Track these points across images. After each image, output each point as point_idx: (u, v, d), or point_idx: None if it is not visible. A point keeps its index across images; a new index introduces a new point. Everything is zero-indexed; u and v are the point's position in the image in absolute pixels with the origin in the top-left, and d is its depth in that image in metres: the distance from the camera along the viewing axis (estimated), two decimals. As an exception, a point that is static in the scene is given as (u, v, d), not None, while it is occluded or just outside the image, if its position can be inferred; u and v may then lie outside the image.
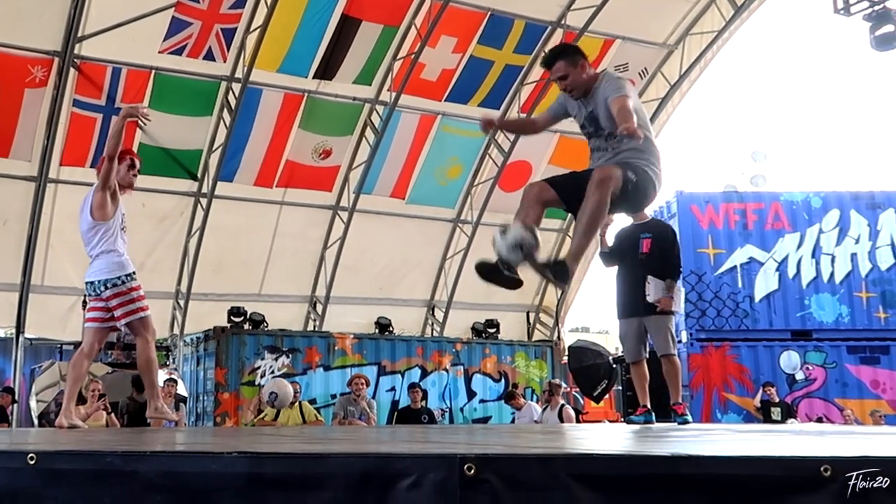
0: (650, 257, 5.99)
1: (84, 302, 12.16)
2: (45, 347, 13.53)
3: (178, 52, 12.48)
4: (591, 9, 14.13)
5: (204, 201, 13.88)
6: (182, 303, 14.29)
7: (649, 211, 6.30)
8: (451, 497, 1.75)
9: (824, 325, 13.65)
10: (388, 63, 13.99)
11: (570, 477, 1.80)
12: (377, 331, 14.43)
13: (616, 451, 2.19)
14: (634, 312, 6.02)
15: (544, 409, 10.84)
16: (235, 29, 12.68)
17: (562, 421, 10.14)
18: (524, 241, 4.11)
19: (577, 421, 11.11)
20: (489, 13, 13.74)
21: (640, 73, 15.60)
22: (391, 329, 14.59)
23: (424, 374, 13.68)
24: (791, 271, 13.85)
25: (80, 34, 11.80)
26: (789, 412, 12.30)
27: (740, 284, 13.77)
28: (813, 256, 13.88)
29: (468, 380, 14.11)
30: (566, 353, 14.73)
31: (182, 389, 12.17)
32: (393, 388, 13.40)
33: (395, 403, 13.05)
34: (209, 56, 12.75)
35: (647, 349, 6.12)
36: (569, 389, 14.17)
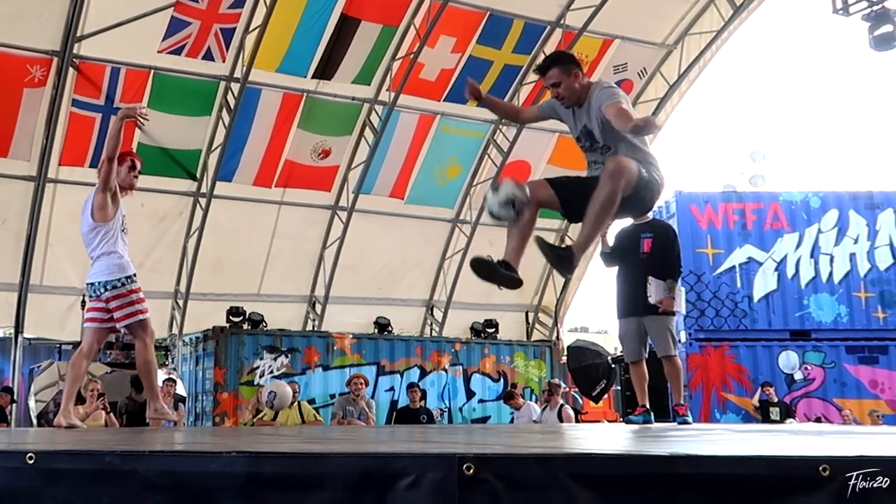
0: (651, 257, 5.98)
1: (83, 302, 12.16)
2: (43, 347, 13.52)
3: (177, 51, 12.48)
4: (591, 9, 14.13)
5: (203, 201, 13.87)
6: (181, 302, 14.28)
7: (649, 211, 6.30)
8: (450, 497, 1.75)
9: (823, 325, 13.65)
10: (387, 63, 13.99)
11: (568, 476, 1.80)
12: (376, 331, 14.43)
13: (615, 451, 2.20)
14: (634, 312, 6.02)
15: (543, 409, 10.84)
16: (234, 29, 12.68)
17: (561, 421, 10.14)
18: (516, 197, 4.11)
19: (577, 421, 11.11)
20: (488, 13, 13.74)
21: (638, 73, 15.62)
22: (390, 329, 14.59)
23: (423, 373, 13.68)
24: (790, 271, 13.86)
25: (79, 34, 11.79)
26: (788, 412, 12.30)
27: (739, 284, 13.77)
28: (812, 256, 13.88)
29: (467, 380, 14.11)
30: (565, 352, 14.73)
31: (181, 389, 12.16)
32: (392, 388, 13.40)
33: (394, 403, 13.04)
34: (208, 56, 12.75)
35: (647, 349, 6.12)
36: (568, 389, 14.17)
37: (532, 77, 14.90)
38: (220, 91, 13.21)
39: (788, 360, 13.47)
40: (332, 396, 12.43)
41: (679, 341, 11.40)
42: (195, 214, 14.00)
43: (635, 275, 5.99)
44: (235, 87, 13.07)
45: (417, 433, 4.16)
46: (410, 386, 11.74)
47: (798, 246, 13.92)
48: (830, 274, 13.83)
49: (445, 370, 13.93)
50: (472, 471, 1.76)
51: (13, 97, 11.99)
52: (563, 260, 4.17)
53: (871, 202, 14.12)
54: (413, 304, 16.30)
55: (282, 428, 7.99)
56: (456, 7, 13.51)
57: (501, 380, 14.33)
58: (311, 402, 11.81)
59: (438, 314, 16.39)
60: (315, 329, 14.86)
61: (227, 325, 12.88)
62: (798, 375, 13.41)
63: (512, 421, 11.86)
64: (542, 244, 4.16)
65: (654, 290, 5.87)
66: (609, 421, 13.44)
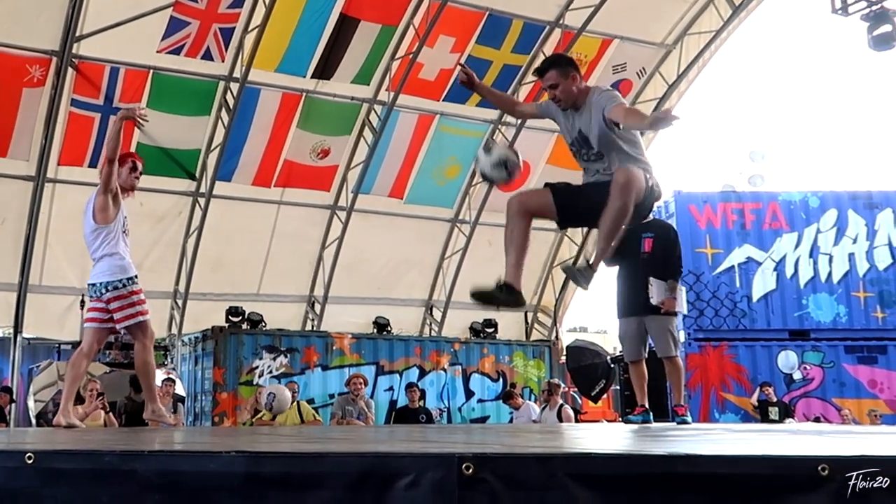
0: (652, 257, 5.97)
1: (82, 301, 12.18)
2: (42, 347, 13.51)
3: (177, 51, 12.48)
4: (590, 8, 14.14)
5: (202, 201, 13.87)
6: (180, 302, 14.28)
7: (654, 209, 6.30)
8: (450, 496, 1.75)
9: (822, 324, 13.66)
10: (386, 63, 13.99)
11: (567, 476, 1.80)
12: (375, 330, 14.42)
13: (614, 451, 2.20)
14: (635, 312, 6.01)
15: (543, 409, 10.84)
16: (234, 28, 12.68)
17: (561, 421, 10.13)
18: (509, 159, 4.15)
19: (576, 421, 11.11)
20: (487, 13, 13.74)
21: (637, 73, 15.62)
22: (389, 329, 14.58)
23: (423, 373, 13.67)
24: (789, 271, 13.86)
25: (78, 34, 11.79)
26: (787, 412, 12.31)
27: (738, 284, 13.78)
28: (811, 256, 13.89)
29: (466, 379, 14.11)
30: (564, 352, 14.72)
31: (180, 389, 12.15)
32: (391, 388, 13.39)
33: (393, 403, 13.04)
34: (207, 56, 12.75)
35: (647, 349, 6.12)
36: (567, 389, 14.17)
37: (531, 77, 14.91)
38: (220, 91, 13.21)
39: (787, 359, 13.47)
40: (332, 396, 12.42)
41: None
42: (194, 214, 13.99)
43: (636, 274, 5.98)
44: (235, 86, 13.07)
45: (416, 433, 4.16)
46: (409, 386, 11.73)
47: (797, 246, 13.93)
48: (829, 274, 13.83)
49: (444, 370, 13.93)
50: (471, 470, 1.76)
51: (12, 97, 11.99)
52: (585, 277, 4.29)
53: (870, 202, 14.13)
54: (412, 304, 16.30)
55: (281, 428, 7.99)
56: (455, 7, 13.52)
57: (500, 379, 14.33)
58: (311, 401, 11.81)
59: (437, 314, 16.39)
60: (314, 329, 14.86)
61: (227, 324, 12.87)
62: (797, 375, 13.41)
63: (511, 421, 11.86)
64: (565, 268, 4.48)
65: (656, 291, 5.86)
66: (608, 421, 13.44)
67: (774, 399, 12.42)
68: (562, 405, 10.66)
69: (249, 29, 12.68)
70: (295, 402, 9.82)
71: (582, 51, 14.36)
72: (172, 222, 14.00)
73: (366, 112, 14.43)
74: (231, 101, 13.15)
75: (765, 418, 12.01)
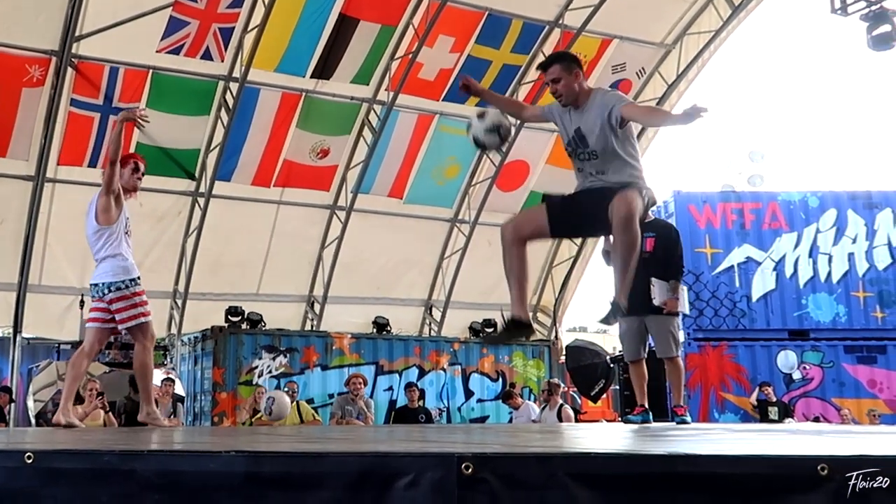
0: (653, 256, 5.94)
1: (81, 301, 12.19)
2: (42, 347, 13.50)
3: (176, 51, 12.47)
4: (589, 8, 14.14)
5: (201, 201, 13.87)
6: (179, 302, 14.28)
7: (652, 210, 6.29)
8: (449, 496, 1.75)
9: (821, 324, 13.66)
10: (385, 62, 13.99)
11: (567, 476, 1.80)
12: (375, 330, 14.42)
13: (613, 451, 2.20)
14: (635, 311, 5.99)
15: (543, 409, 10.84)
16: (233, 28, 12.68)
17: (560, 421, 10.14)
18: (502, 124, 4.17)
19: (576, 421, 11.11)
20: (487, 13, 13.74)
21: (637, 73, 15.62)
22: (389, 328, 14.58)
23: (422, 373, 13.67)
24: (788, 271, 13.86)
25: (77, 33, 11.79)
26: (786, 412, 12.31)
27: (737, 284, 13.78)
28: (810, 256, 13.89)
29: (466, 379, 14.10)
30: (564, 352, 14.72)
31: (179, 389, 12.15)
32: (390, 388, 13.39)
33: (392, 403, 13.04)
34: (207, 55, 12.74)
35: (647, 349, 6.11)
36: (567, 389, 14.17)
37: (531, 76, 14.92)
38: (219, 90, 13.21)
39: (787, 359, 13.48)
40: (331, 396, 12.42)
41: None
42: (194, 214, 13.99)
43: (637, 274, 5.96)
44: (234, 86, 13.07)
45: (416, 433, 4.15)
46: (409, 385, 11.74)
47: (796, 245, 13.93)
48: (829, 274, 13.83)
49: (444, 370, 13.93)
50: (470, 470, 1.76)
51: (12, 97, 11.99)
52: (614, 313, 4.38)
53: (870, 202, 14.13)
54: (411, 304, 16.29)
55: (280, 428, 7.99)
56: (454, 7, 13.51)
57: (500, 379, 14.33)
58: (310, 401, 11.82)
59: (437, 314, 16.38)
60: (314, 329, 14.85)
61: (226, 324, 12.87)
62: (796, 375, 13.42)
63: (510, 420, 11.86)
64: (601, 321, 4.45)
65: (658, 292, 5.84)
66: (607, 421, 13.44)
67: (774, 399, 12.42)
68: (562, 405, 10.66)
69: (249, 29, 12.68)
70: (294, 402, 9.81)
71: (581, 51, 14.34)
72: (172, 222, 13.99)
73: (365, 112, 14.43)
74: (230, 101, 13.15)
75: (764, 418, 12.01)
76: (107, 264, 5.05)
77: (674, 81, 15.82)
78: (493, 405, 14.00)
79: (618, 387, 13.65)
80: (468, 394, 14.09)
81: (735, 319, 13.66)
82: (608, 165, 4.16)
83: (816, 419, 12.67)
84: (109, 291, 5.02)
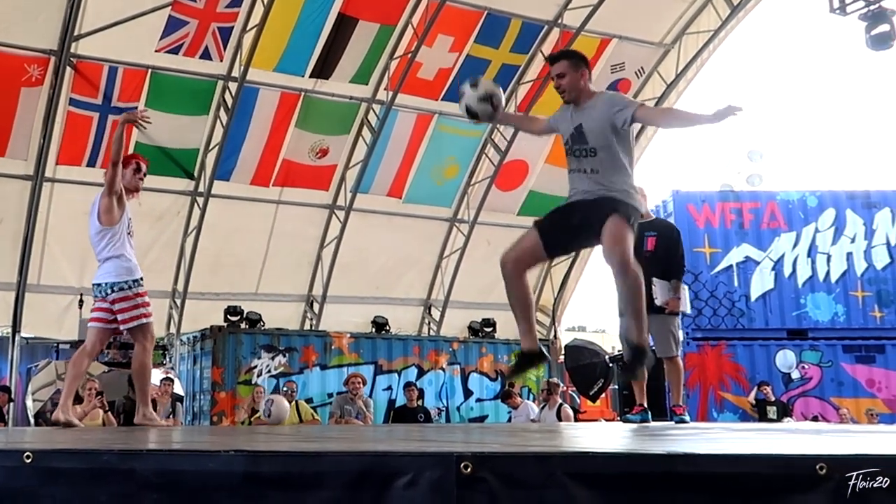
0: (654, 256, 5.93)
1: (80, 301, 12.19)
2: (41, 346, 13.50)
3: (175, 50, 12.47)
4: (588, 8, 14.13)
5: (200, 200, 13.86)
6: (179, 302, 14.28)
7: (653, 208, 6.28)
8: (448, 495, 1.75)
9: (820, 324, 13.67)
10: (384, 62, 13.99)
11: (566, 475, 1.80)
12: (374, 330, 14.42)
13: (612, 450, 2.20)
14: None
15: (542, 408, 10.85)
16: (232, 28, 12.67)
17: (560, 420, 10.15)
18: (494, 93, 4.18)
19: (575, 420, 11.11)
20: (486, 12, 13.73)
21: (636, 73, 15.62)
22: (388, 328, 14.59)
23: (421, 373, 13.67)
24: (787, 270, 13.86)
25: (76, 33, 11.78)
26: (785, 411, 12.32)
27: (736, 283, 13.78)
28: (809, 255, 13.90)
29: (465, 379, 14.11)
30: (562, 351, 14.71)
31: (178, 388, 12.15)
32: (389, 388, 13.39)
33: (391, 402, 13.05)
34: (206, 55, 12.74)
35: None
36: (565, 388, 14.17)
37: (530, 76, 14.93)
38: (218, 90, 13.20)
39: (785, 359, 13.48)
40: (330, 396, 12.43)
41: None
42: (193, 213, 13.99)
43: None
44: (233, 86, 13.06)
45: (415, 432, 4.15)
46: (408, 385, 11.74)
47: (795, 245, 13.93)
48: (827, 273, 13.84)
49: (443, 369, 13.93)
50: (469, 469, 1.76)
51: (10, 96, 11.98)
52: (643, 359, 4.45)
53: (868, 201, 14.14)
54: (411, 304, 16.29)
55: (279, 427, 7.99)
56: (454, 6, 13.51)
57: (499, 379, 14.33)
58: (309, 401, 11.82)
59: (436, 313, 16.38)
60: (313, 328, 14.85)
61: (225, 324, 12.88)
62: (795, 374, 13.42)
63: (509, 420, 11.86)
64: (625, 370, 4.51)
65: (660, 292, 5.82)
66: (606, 420, 13.44)
67: (772, 398, 12.43)
68: (561, 404, 10.67)
69: (248, 28, 12.68)
70: (293, 402, 9.81)
71: (580, 50, 14.35)
72: (171, 222, 13.99)
73: (364, 111, 14.42)
74: (229, 101, 13.14)
75: (763, 417, 12.02)
76: (110, 265, 5.07)
77: (673, 81, 15.83)
78: (492, 405, 14.01)
79: (617, 386, 13.66)
80: (467, 393, 14.09)
81: (734, 319, 13.67)
82: (604, 165, 4.17)
83: (815, 418, 12.68)
84: (112, 291, 5.05)
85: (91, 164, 12.67)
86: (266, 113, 13.52)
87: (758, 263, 13.87)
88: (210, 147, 13.56)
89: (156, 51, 12.36)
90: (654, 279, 5.83)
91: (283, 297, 15.16)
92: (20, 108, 12.10)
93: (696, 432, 4.36)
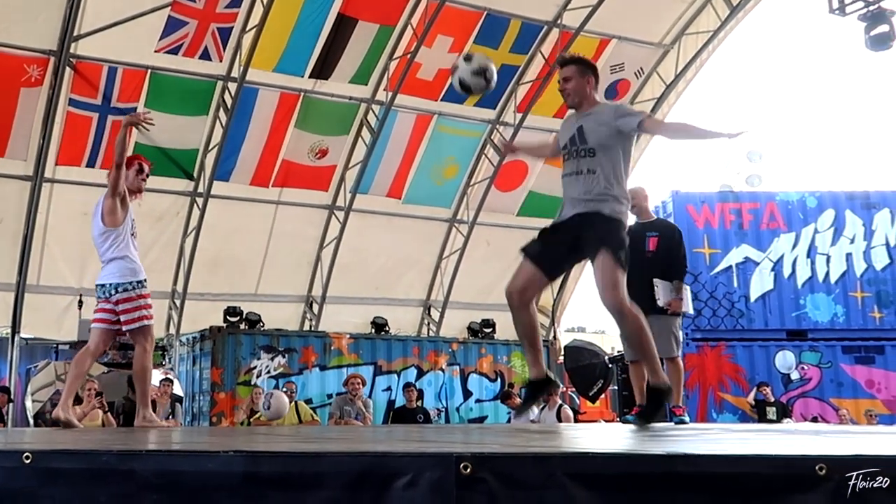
0: (656, 256, 5.91)
1: (80, 301, 12.18)
2: (40, 347, 13.48)
3: (175, 51, 12.47)
4: (588, 8, 14.14)
5: (200, 201, 13.86)
6: (178, 302, 14.27)
7: (653, 209, 6.28)
8: (448, 496, 1.75)
9: (819, 324, 13.67)
10: (384, 62, 13.99)
11: (566, 476, 1.79)
12: (373, 330, 14.42)
13: (612, 450, 2.19)
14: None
15: (542, 409, 10.84)
16: (231, 28, 12.67)
17: (559, 421, 10.14)
18: (488, 68, 4.21)
19: (575, 421, 11.12)
20: (485, 13, 13.74)
21: (636, 73, 15.63)
22: (387, 329, 14.58)
23: (420, 373, 13.67)
24: (786, 271, 13.87)
25: (76, 33, 11.78)
26: (785, 412, 12.32)
27: (736, 284, 13.79)
28: (808, 256, 13.90)
29: (464, 379, 14.10)
30: (562, 352, 14.72)
31: (178, 389, 12.15)
32: (389, 388, 13.39)
33: (391, 403, 13.04)
34: (205, 55, 12.74)
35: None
36: (565, 389, 14.17)
37: (529, 76, 14.93)
38: (218, 91, 13.20)
39: (785, 359, 13.48)
40: (330, 396, 12.42)
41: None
42: (192, 214, 13.98)
43: (639, 273, 5.92)
44: (232, 86, 13.06)
45: (414, 433, 4.15)
46: (407, 386, 11.74)
47: (794, 246, 13.94)
48: (827, 274, 13.85)
49: (442, 370, 13.93)
50: (469, 470, 1.76)
51: (10, 97, 11.98)
52: (661, 403, 4.49)
53: (868, 202, 14.15)
54: (410, 304, 16.29)
55: (279, 428, 7.99)
56: (453, 7, 13.51)
57: (498, 380, 14.33)
58: (309, 402, 11.81)
59: (435, 314, 16.38)
60: (312, 329, 14.85)
61: (225, 324, 12.87)
62: (794, 375, 13.43)
63: (509, 421, 11.86)
64: (644, 417, 4.61)
65: (662, 293, 5.80)
66: (606, 421, 13.44)
67: (772, 399, 12.43)
68: (561, 405, 10.66)
69: (247, 29, 12.68)
70: (293, 403, 9.81)
71: (580, 51, 14.24)
72: (170, 222, 13.98)
73: (364, 112, 14.42)
74: (229, 101, 13.14)
75: (762, 418, 12.02)
76: (114, 266, 5.09)
77: (672, 81, 15.83)
78: (492, 405, 14.00)
79: (616, 387, 13.66)
80: (467, 394, 14.09)
81: (733, 319, 13.67)
82: (601, 166, 4.18)
83: (814, 419, 12.69)
84: (116, 292, 5.06)
85: (90, 164, 12.67)
86: (265, 113, 13.52)
87: (757, 264, 13.87)
88: (210, 147, 13.56)
89: (155, 51, 12.36)
90: (657, 280, 5.80)
91: (283, 297, 15.16)
92: (20, 109, 12.10)
93: (696, 433, 4.35)
